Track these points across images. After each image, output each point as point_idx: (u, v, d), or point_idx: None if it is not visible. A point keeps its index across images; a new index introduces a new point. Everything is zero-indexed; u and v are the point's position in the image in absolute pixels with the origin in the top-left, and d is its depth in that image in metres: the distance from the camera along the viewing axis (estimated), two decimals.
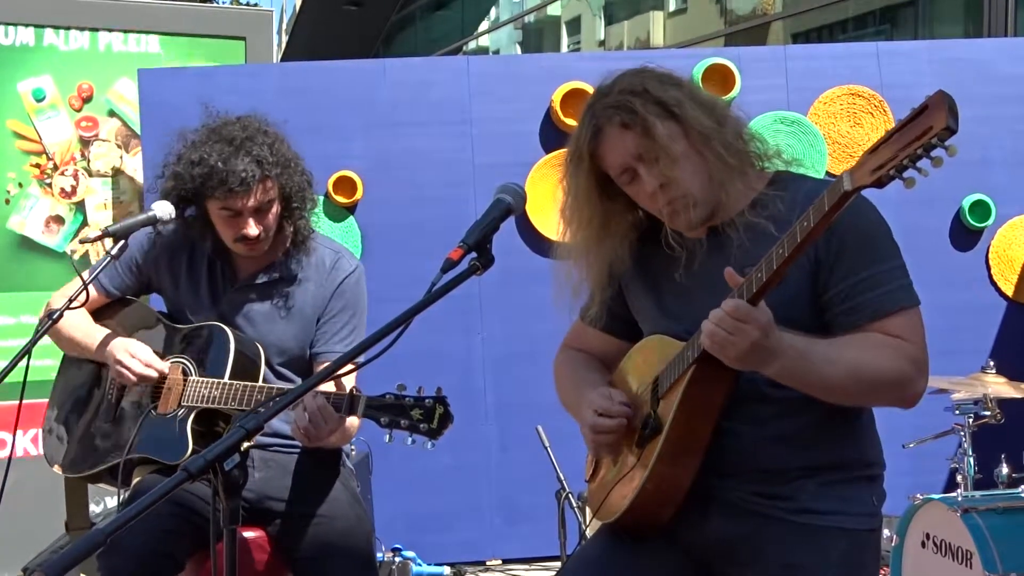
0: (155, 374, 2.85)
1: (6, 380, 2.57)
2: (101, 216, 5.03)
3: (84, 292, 2.75)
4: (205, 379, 2.79)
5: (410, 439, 2.50)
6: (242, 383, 2.75)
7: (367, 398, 2.53)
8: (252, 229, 2.81)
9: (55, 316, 2.73)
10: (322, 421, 2.59)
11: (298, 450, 2.95)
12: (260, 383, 2.80)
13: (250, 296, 2.96)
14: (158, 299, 3.15)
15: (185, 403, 2.81)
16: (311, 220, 2.98)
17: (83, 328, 2.98)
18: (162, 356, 2.92)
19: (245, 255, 2.92)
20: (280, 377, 2.94)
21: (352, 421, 2.76)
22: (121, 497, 2.83)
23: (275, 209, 2.87)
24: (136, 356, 2.84)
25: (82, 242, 2.76)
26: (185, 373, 2.86)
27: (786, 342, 1.94)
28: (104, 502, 4.61)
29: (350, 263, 3.02)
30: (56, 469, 3.07)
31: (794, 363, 1.96)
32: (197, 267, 2.99)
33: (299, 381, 2.96)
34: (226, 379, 2.77)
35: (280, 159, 2.84)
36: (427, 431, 2.48)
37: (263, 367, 2.88)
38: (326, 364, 2.90)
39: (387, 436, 2.53)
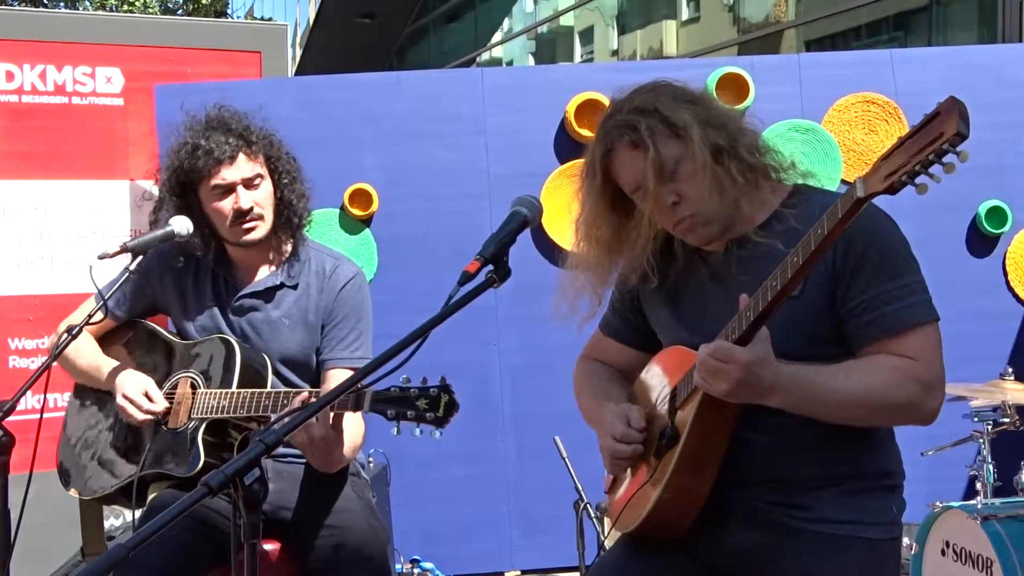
0: (158, 414, 2.87)
1: None
2: None
3: (103, 308, 2.76)
4: (214, 391, 2.81)
5: (417, 430, 2.48)
6: (250, 390, 2.77)
7: (373, 392, 2.51)
8: (244, 200, 2.88)
9: (75, 331, 2.74)
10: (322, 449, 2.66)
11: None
12: (268, 389, 2.82)
13: (253, 305, 2.99)
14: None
15: (195, 416, 2.83)
16: (305, 208, 3.04)
17: (89, 357, 3.02)
18: (169, 372, 2.95)
19: (243, 244, 2.94)
20: (287, 384, 2.96)
21: (354, 441, 2.79)
22: (136, 515, 2.84)
23: (267, 186, 2.94)
24: (135, 401, 2.85)
25: (101, 257, 2.76)
26: (194, 387, 2.88)
27: (786, 375, 1.95)
28: (123, 515, 4.61)
29: (350, 269, 3.05)
30: (72, 492, 3.08)
31: (797, 395, 1.98)
32: (201, 280, 3.03)
33: (305, 387, 2.96)
34: (234, 389, 2.79)
35: (261, 135, 2.97)
36: (433, 420, 2.46)
37: (270, 376, 2.90)
38: (334, 371, 2.95)
39: (395, 428, 2.50)
